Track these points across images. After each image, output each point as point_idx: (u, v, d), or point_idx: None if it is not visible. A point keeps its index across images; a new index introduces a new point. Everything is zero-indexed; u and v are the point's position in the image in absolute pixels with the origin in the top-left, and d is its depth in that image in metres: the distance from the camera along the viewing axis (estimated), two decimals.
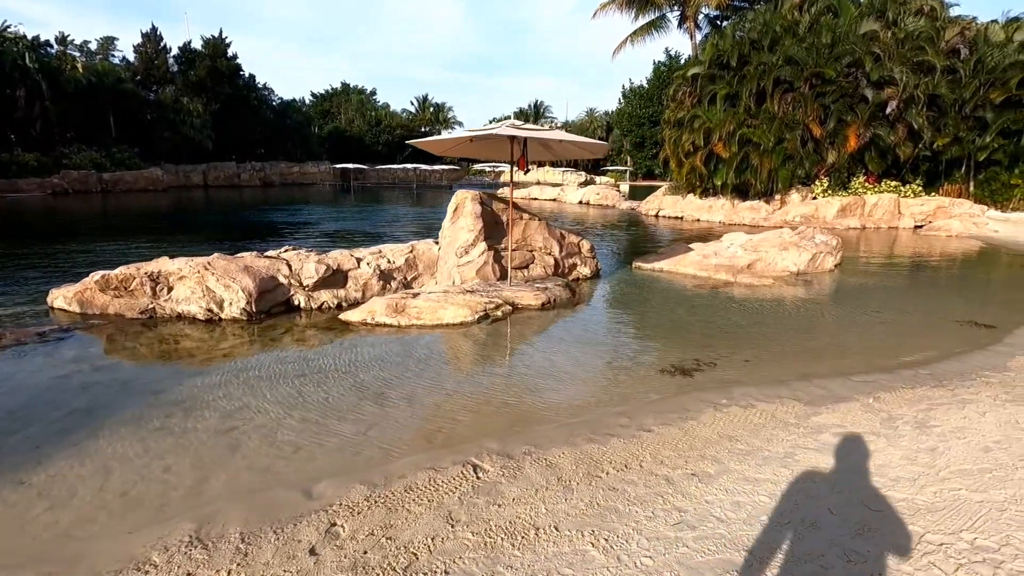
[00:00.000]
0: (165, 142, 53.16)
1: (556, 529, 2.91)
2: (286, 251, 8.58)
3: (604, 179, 61.65)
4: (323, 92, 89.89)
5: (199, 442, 4.08)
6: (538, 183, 56.37)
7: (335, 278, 8.29)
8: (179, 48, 58.97)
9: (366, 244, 9.96)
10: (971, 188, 22.41)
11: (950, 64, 20.50)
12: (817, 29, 20.81)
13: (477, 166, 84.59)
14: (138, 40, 56.51)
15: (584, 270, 10.46)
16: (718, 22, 27.31)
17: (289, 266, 7.98)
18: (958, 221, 19.47)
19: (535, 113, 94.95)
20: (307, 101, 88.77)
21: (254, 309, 7.32)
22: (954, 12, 22.19)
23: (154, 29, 57.04)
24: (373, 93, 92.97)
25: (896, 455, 3.67)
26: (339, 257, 8.51)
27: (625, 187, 50.96)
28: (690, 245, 12.21)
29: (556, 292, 8.61)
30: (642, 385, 5.30)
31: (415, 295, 7.71)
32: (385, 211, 29.36)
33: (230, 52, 61.18)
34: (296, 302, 7.87)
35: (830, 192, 22.02)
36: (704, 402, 4.80)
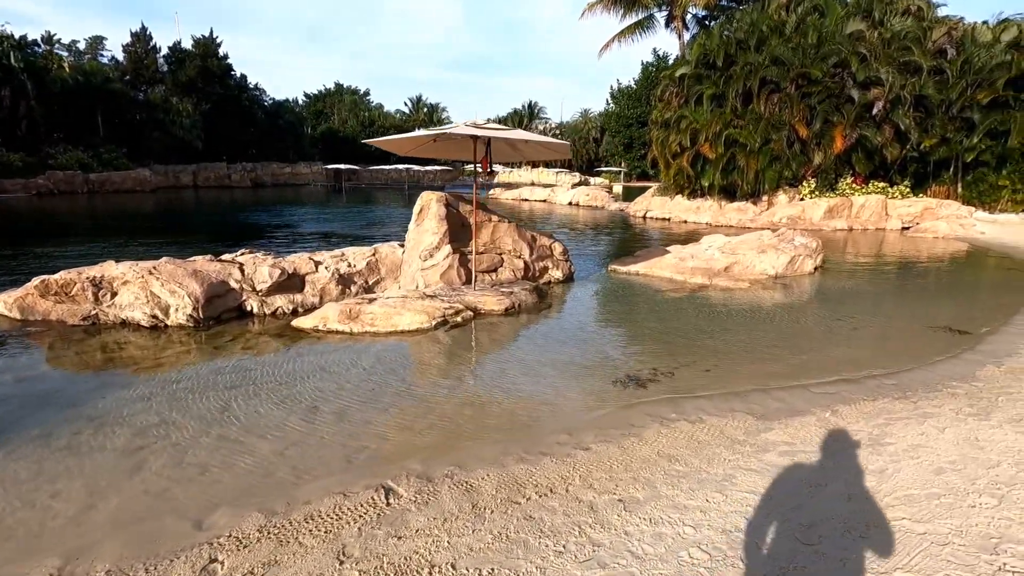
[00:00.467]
0: (154, 142, 52.75)
1: (452, 568, 2.64)
2: (242, 254, 8.28)
3: (598, 180, 61.49)
4: (316, 92, 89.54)
5: (100, 463, 3.79)
6: (532, 184, 56.16)
7: (291, 282, 8.00)
8: (169, 48, 58.58)
9: (347, 245, 9.71)
10: (959, 189, 22.23)
11: (937, 64, 20.33)
12: (803, 29, 20.62)
13: (470, 167, 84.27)
14: (127, 40, 56.14)
15: (556, 273, 10.19)
16: (706, 22, 27.12)
17: (242, 270, 7.69)
18: (945, 223, 19.30)
19: (529, 114, 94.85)
20: (300, 101, 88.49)
21: (201, 315, 7.03)
22: (942, 12, 22.04)
23: (144, 29, 56.64)
24: (367, 94, 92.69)
25: (842, 479, 3.41)
26: (296, 261, 8.23)
27: (619, 188, 50.75)
28: (668, 248, 11.97)
29: (522, 296, 8.35)
30: (592, 397, 5.04)
31: (371, 300, 7.42)
32: (373, 212, 29.09)
33: (221, 52, 60.83)
34: (249, 308, 7.58)
35: (817, 193, 21.82)
36: (652, 417, 4.53)
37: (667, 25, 27.52)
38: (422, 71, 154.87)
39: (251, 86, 67.85)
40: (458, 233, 9.10)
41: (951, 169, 22.26)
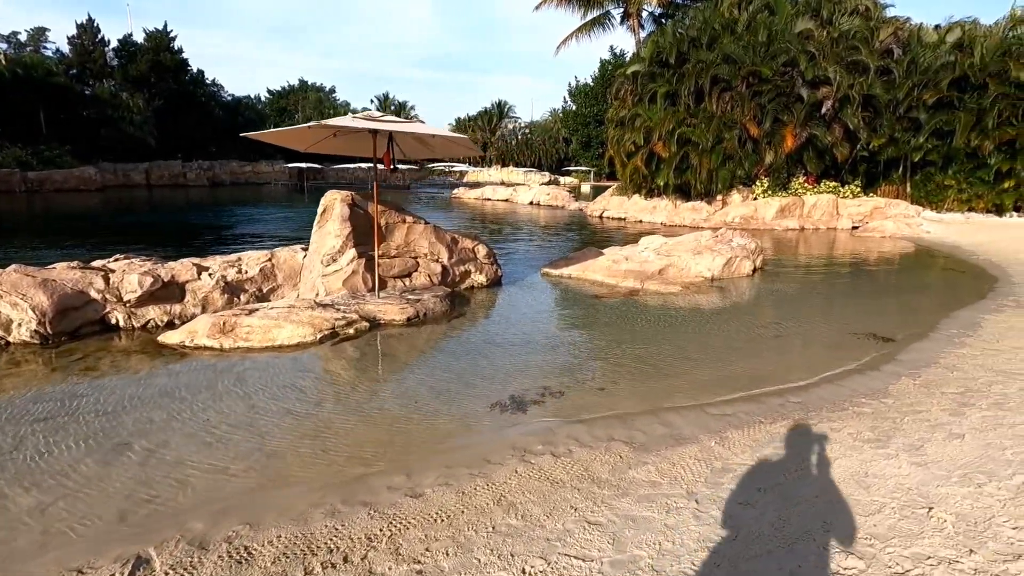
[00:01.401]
0: (103, 139, 50.45)
1: None
2: (117, 260, 7.44)
3: (568, 180, 61.15)
4: (280, 89, 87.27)
5: None
6: (502, 183, 55.59)
7: (168, 292, 7.20)
8: (119, 41, 56.17)
9: (282, 246, 8.89)
10: (908, 189, 22.39)
11: (884, 64, 20.39)
12: (754, 27, 20.44)
13: (439, 165, 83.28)
14: (73, 32, 53.60)
15: (479, 278, 9.57)
16: (662, 20, 26.90)
17: (107, 278, 6.87)
18: (892, 222, 19.33)
19: (499, 113, 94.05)
20: (263, 98, 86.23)
21: (51, 331, 6.20)
22: (890, 13, 22.16)
23: (91, 20, 54.24)
24: (332, 91, 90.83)
25: (693, 534, 2.86)
26: (176, 267, 7.42)
27: (587, 188, 50.43)
28: (603, 250, 11.46)
29: (430, 304, 7.70)
30: (459, 425, 4.43)
31: (252, 311, 6.68)
32: None
33: (175, 46, 58.68)
34: (114, 321, 6.76)
35: (770, 193, 21.71)
36: (514, 451, 3.94)
37: (623, 22, 27.22)
38: (395, 69, 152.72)
39: (209, 82, 65.77)
40: (367, 235, 8.40)
41: (900, 169, 22.42)
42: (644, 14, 27.05)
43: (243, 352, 6.07)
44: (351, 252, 8.09)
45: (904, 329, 7.31)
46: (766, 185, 21.74)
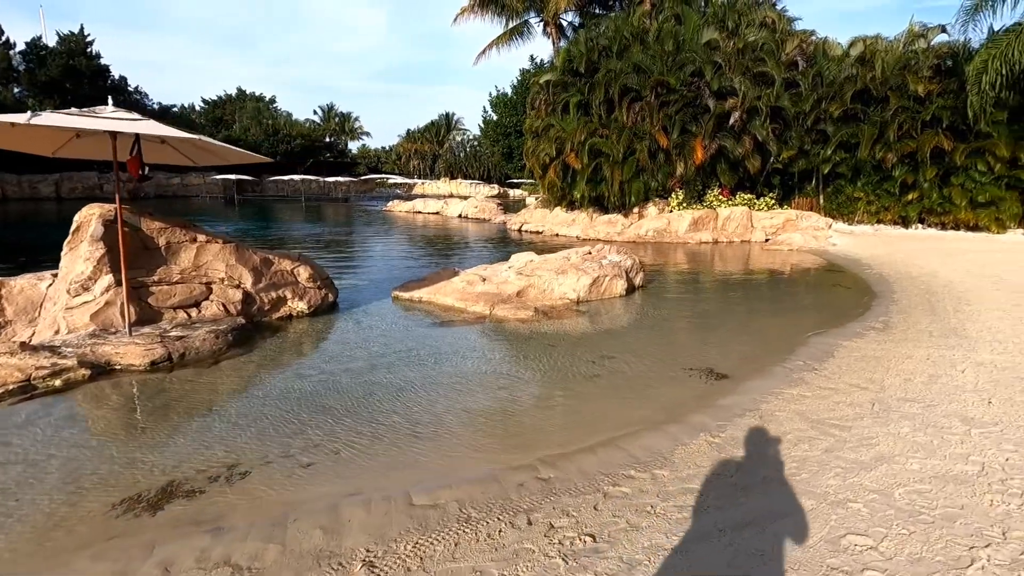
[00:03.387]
0: (3, 149, 46.55)
1: None
2: None
3: (517, 192, 60.17)
4: (216, 98, 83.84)
5: None
6: (451, 195, 54.25)
7: None
8: (26, 44, 52.43)
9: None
10: (821, 201, 22.34)
11: (791, 77, 20.26)
12: (662, 37, 19.98)
13: (393, 179, 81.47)
14: None
15: (299, 305, 8.22)
16: (582, 29, 26.38)
17: None
18: (800, 235, 19.04)
19: (447, 125, 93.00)
20: (198, 107, 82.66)
21: None
22: (798, 26, 22.19)
23: None
24: (272, 101, 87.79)
25: None
26: None
27: (533, 200, 49.63)
28: (465, 269, 10.30)
29: (196, 343, 6.31)
30: (85, 527, 3.09)
31: None
32: (237, 225, 25.96)
33: (92, 50, 55.29)
34: None
35: (685, 205, 21.22)
36: None
37: (544, 31, 26.60)
38: (348, 81, 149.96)
39: (131, 89, 62.28)
40: (138, 258, 6.96)
41: (813, 181, 22.37)
42: (564, 23, 26.50)
43: None
44: (107, 279, 6.63)
45: (751, 361, 6.39)
46: (681, 197, 21.24)
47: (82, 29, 55.05)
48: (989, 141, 17.29)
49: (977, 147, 17.55)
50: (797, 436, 4.26)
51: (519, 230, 24.61)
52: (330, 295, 8.75)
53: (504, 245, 20.59)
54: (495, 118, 50.49)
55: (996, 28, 17.31)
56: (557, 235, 22.62)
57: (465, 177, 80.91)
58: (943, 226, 19.39)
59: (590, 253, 10.59)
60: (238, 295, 7.58)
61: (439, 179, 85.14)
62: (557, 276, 9.57)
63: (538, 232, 23.50)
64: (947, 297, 9.74)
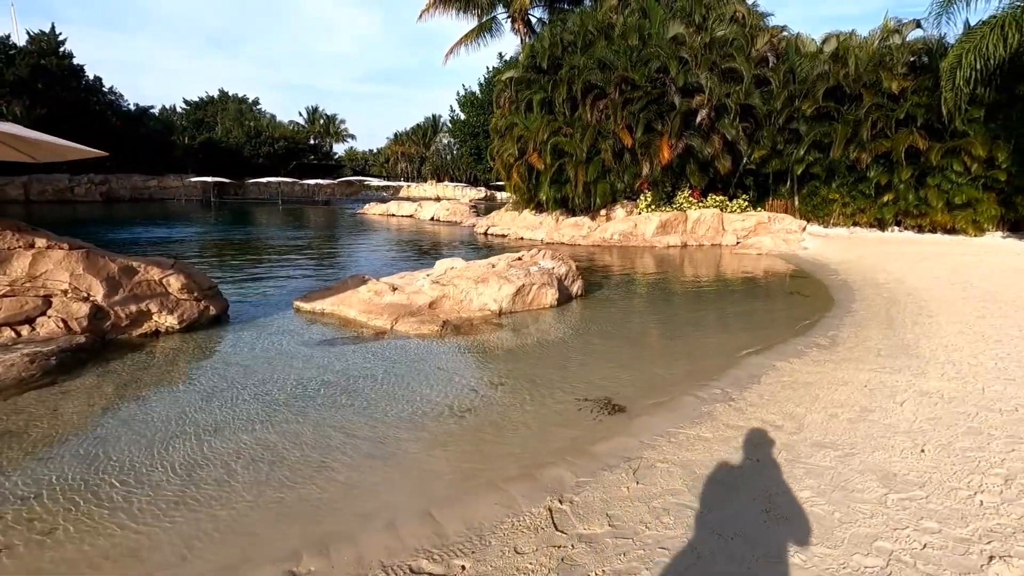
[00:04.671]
0: None
1: None
2: None
3: (504, 194, 59.12)
4: (198, 100, 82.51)
5: None
6: (437, 198, 53.25)
7: None
8: None
9: None
10: (796, 203, 21.50)
11: (761, 74, 19.41)
12: (626, 31, 19.08)
13: (375, 182, 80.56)
14: None
15: (167, 319, 7.19)
16: (550, 24, 25.48)
17: None
18: (770, 238, 18.17)
19: (433, 127, 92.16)
20: (179, 109, 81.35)
21: None
22: (771, 22, 21.37)
23: None
24: (256, 102, 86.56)
25: None
26: None
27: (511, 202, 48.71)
28: (379, 278, 9.28)
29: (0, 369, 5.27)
30: None
31: None
32: (202, 230, 24.83)
33: (64, 50, 54.08)
34: None
35: (654, 207, 20.31)
36: None
37: (513, 28, 25.68)
38: (338, 83, 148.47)
39: (107, 89, 60.96)
40: None
41: (788, 182, 21.52)
42: (533, 20, 25.61)
43: None
44: None
45: (662, 388, 5.43)
46: (649, 199, 20.33)
47: (53, 28, 53.84)
48: (965, 140, 16.48)
49: (953, 146, 16.74)
50: (665, 504, 3.28)
51: (485, 233, 23.65)
52: (212, 308, 7.72)
53: (459, 248, 19.62)
54: (463, 118, 49.34)
55: (972, 22, 16.57)
56: (522, 238, 21.68)
57: (452, 180, 79.99)
58: (920, 229, 18.57)
59: (520, 259, 9.61)
60: (84, 309, 6.55)
61: (425, 182, 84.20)
62: (476, 285, 8.58)
63: (503, 235, 22.55)
64: (909, 307, 8.82)
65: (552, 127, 19.76)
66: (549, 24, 22.26)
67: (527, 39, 24.71)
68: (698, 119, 18.45)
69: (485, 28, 25.54)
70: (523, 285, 8.71)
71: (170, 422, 4.59)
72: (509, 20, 25.12)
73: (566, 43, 20.32)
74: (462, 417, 4.77)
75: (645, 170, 18.95)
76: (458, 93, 50.41)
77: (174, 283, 7.38)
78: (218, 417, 4.70)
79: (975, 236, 16.91)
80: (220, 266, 13.75)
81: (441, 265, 9.55)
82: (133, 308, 6.96)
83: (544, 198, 21.32)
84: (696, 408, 4.86)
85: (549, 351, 6.86)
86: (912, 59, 18.39)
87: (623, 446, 4.11)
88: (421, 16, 24.99)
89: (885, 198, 18.85)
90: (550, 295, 9.01)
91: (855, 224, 20.07)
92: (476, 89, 46.04)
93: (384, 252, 18.50)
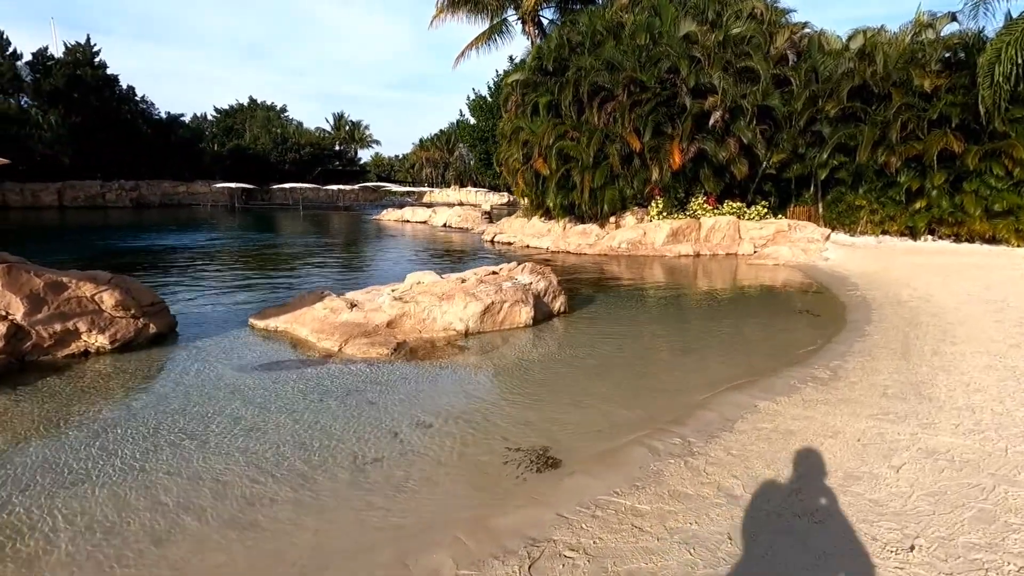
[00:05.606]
0: (11, 157, 46.98)
1: None
2: None
3: (527, 200, 58.18)
4: (227, 108, 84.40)
5: None
6: (460, 203, 52.98)
7: None
8: (32, 55, 53.04)
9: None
10: (820, 210, 20.18)
11: (781, 73, 18.24)
12: (635, 31, 18.18)
13: (396, 187, 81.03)
14: None
15: (97, 339, 6.69)
16: (560, 25, 24.71)
17: None
18: (788, 248, 16.98)
19: (456, 132, 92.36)
20: (210, 117, 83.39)
21: None
22: (793, 18, 20.16)
23: None
24: (283, 109, 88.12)
25: None
26: None
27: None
28: (334, 293, 8.65)
29: None
30: None
31: None
32: (214, 235, 24.88)
33: (98, 60, 55.84)
34: None
35: (666, 214, 19.31)
36: None
37: (523, 30, 25.02)
38: (362, 90, 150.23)
39: (138, 98, 62.68)
40: None
41: (812, 188, 20.22)
42: (545, 21, 24.91)
43: None
44: None
45: (612, 435, 4.62)
46: (661, 206, 19.33)
47: (88, 39, 55.66)
48: (1005, 142, 15.03)
49: (992, 149, 15.30)
50: None
51: (492, 241, 22.97)
52: (152, 326, 7.20)
53: (460, 256, 18.98)
54: (473, 122, 48.66)
55: (1014, 14, 15.16)
56: (527, 246, 20.92)
57: (475, 185, 79.76)
58: (957, 238, 17.06)
59: (495, 273, 8.87)
60: (1, 329, 6.08)
61: (449, 187, 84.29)
62: (441, 303, 7.87)
63: (509, 243, 21.83)
64: (931, 331, 7.74)
65: (558, 131, 18.97)
66: (560, 25, 21.48)
67: (538, 41, 24.00)
68: (711, 121, 17.41)
69: (495, 30, 24.96)
70: (492, 303, 7.96)
71: (26, 471, 4.00)
72: (519, 22, 24.47)
73: (574, 44, 19.54)
74: (362, 471, 4.04)
75: (654, 175, 17.98)
76: (468, 97, 49.86)
77: (108, 299, 6.88)
78: (86, 465, 4.08)
79: (1017, 246, 15.40)
80: (204, 276, 13.39)
81: (410, 279, 8.87)
82: (59, 327, 6.47)
83: (551, 205, 20.55)
84: (645, 464, 4.03)
85: (502, 381, 6.09)
86: (947, 55, 16.99)
87: (534, 521, 3.32)
88: (432, 23, 24.57)
89: (917, 205, 17.42)
90: (524, 313, 8.24)
91: (884, 232, 18.64)
92: (486, 93, 45.44)
93: (380, 260, 18.01)
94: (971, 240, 16.64)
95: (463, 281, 8.44)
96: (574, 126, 19.03)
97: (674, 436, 4.51)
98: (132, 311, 7.04)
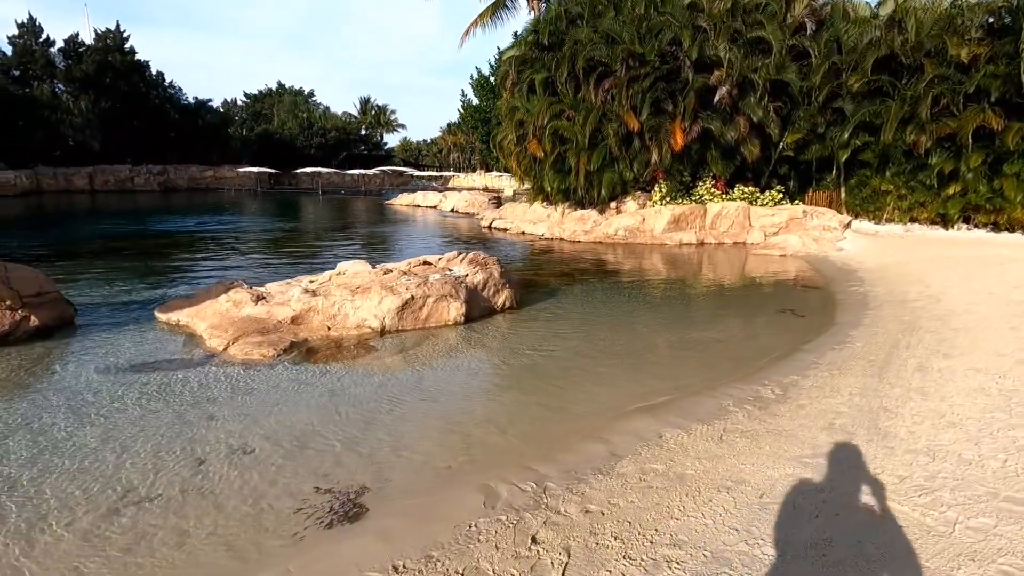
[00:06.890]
0: (39, 143, 48.44)
1: None
2: None
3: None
4: (256, 93, 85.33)
5: None
6: (485, 188, 52.32)
7: None
8: (64, 41, 54.26)
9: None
10: (842, 195, 18.44)
11: (798, 44, 16.53)
12: (635, 0, 16.73)
13: (417, 172, 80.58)
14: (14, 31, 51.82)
15: None
16: None
17: None
18: (797, 237, 15.49)
19: None
20: (239, 102, 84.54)
21: None
22: None
23: (31, 19, 52.52)
24: (311, 94, 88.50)
25: None
26: None
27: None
28: (246, 284, 7.90)
29: None
30: None
31: None
32: (230, 219, 24.77)
33: (128, 46, 56.82)
34: None
35: (670, 199, 17.95)
36: None
37: (528, 4, 23.67)
38: (395, 77, 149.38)
39: (166, 84, 63.69)
40: None
41: (833, 171, 18.47)
42: None
43: None
44: None
45: (461, 472, 3.71)
46: (664, 191, 17.97)
47: (118, 26, 56.54)
48: None
49: None
50: None
51: (489, 227, 22.02)
52: (34, 318, 6.60)
53: (449, 243, 18.11)
54: (476, 102, 47.15)
55: None
56: (523, 233, 19.91)
57: (503, 170, 78.64)
58: (996, 227, 15.21)
59: (427, 263, 7.96)
60: None
61: (475, 171, 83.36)
62: (353, 297, 7.02)
63: (505, 229, 20.85)
64: (927, 339, 6.48)
65: (553, 110, 17.77)
66: None
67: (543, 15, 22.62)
68: (717, 98, 15.92)
69: (500, 5, 23.68)
70: (413, 297, 7.06)
71: None
72: None
73: (573, 15, 18.21)
74: (118, 514, 3.25)
75: (654, 157, 16.64)
76: (471, 77, 48.42)
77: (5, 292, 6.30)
78: None
79: None
80: (175, 264, 12.93)
81: (340, 268, 8.06)
82: None
83: (548, 189, 19.43)
84: (463, 522, 3.10)
85: (378, 394, 5.21)
86: (990, 20, 14.99)
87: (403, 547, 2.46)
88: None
89: (950, 190, 15.60)
90: (454, 310, 7.32)
91: (913, 220, 16.83)
92: (488, 72, 44.02)
93: (364, 247, 17.29)
94: (1011, 229, 14.81)
95: (387, 272, 7.57)
96: (571, 105, 17.79)
97: (530, 479, 3.56)
98: (8, 302, 6.44)
